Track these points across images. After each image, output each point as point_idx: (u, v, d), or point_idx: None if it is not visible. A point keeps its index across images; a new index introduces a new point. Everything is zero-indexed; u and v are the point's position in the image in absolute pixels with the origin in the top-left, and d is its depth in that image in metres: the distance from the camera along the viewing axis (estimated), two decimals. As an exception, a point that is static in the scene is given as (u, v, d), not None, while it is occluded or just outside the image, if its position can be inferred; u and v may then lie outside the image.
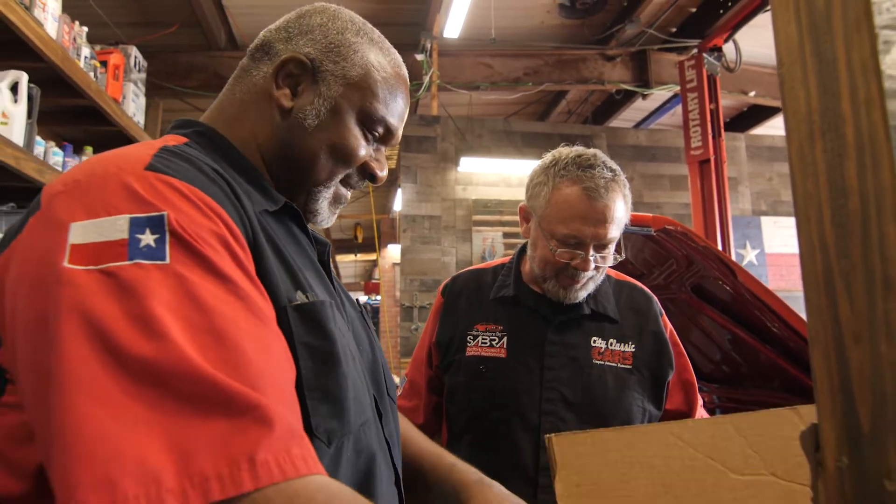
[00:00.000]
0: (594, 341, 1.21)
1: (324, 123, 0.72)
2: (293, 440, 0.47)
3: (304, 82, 0.73)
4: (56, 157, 2.28)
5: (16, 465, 0.52)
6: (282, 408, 0.48)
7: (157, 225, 0.51)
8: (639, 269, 2.11)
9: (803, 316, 1.76)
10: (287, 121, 0.72)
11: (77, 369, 0.44)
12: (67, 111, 2.66)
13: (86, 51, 2.48)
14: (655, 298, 1.30)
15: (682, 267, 1.97)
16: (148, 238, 0.50)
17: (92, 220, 0.50)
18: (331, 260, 0.79)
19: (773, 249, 5.02)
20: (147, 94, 3.14)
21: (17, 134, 1.95)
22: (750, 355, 2.08)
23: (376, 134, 0.76)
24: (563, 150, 1.20)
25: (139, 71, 3.08)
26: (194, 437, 0.43)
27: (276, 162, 0.74)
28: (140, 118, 3.06)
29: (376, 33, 0.79)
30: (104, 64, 2.71)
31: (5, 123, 1.92)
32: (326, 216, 0.78)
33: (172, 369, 0.45)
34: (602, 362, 1.19)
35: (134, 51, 3.02)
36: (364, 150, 0.75)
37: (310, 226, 0.77)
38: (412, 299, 4.37)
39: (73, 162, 2.39)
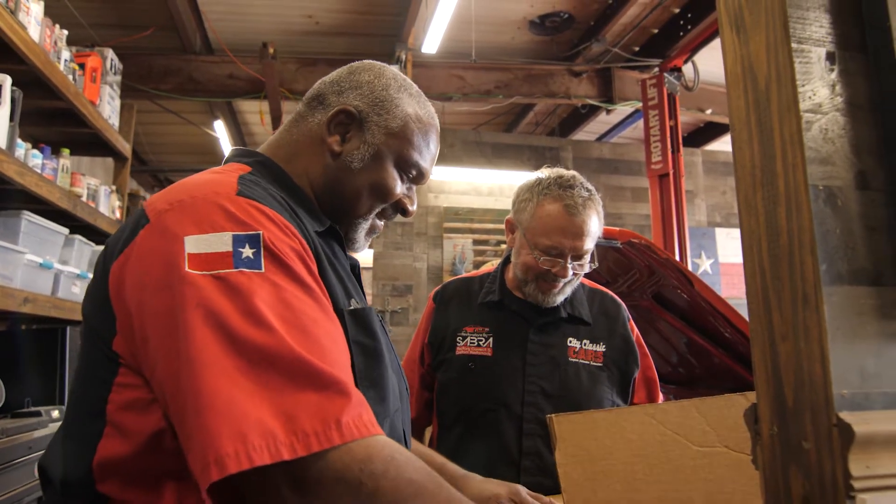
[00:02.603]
0: (570, 341, 1.35)
1: (367, 166, 0.84)
2: (363, 408, 0.60)
3: (352, 130, 0.84)
4: (35, 159, 2.28)
5: (129, 433, 0.63)
6: (352, 384, 0.61)
7: (254, 241, 0.64)
8: (604, 278, 2.25)
9: (752, 322, 1.92)
10: (336, 162, 0.84)
11: (205, 351, 0.56)
12: (42, 113, 2.65)
13: (65, 54, 2.49)
14: (624, 305, 1.45)
15: (645, 276, 2.12)
16: (248, 251, 0.63)
17: (202, 234, 0.63)
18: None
19: (726, 259, 5.30)
20: (121, 97, 3.14)
21: (-1, 137, 1.96)
22: (704, 358, 2.25)
23: (410, 175, 0.89)
24: (546, 172, 1.36)
25: (115, 73, 3.08)
26: (295, 404, 0.56)
27: (325, 195, 0.85)
28: (115, 121, 3.06)
29: (414, 88, 0.91)
30: (82, 66, 2.71)
31: (-11, 126, 1.92)
32: (362, 244, 0.90)
33: (276, 352, 0.58)
34: (577, 360, 1.34)
35: (110, 53, 3.02)
36: (399, 189, 0.88)
37: None
38: (384, 304, 4.45)
39: (51, 164, 2.39)
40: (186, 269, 0.60)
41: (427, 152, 0.89)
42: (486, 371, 1.32)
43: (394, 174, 0.86)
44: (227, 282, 0.60)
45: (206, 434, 0.53)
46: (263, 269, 0.62)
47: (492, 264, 1.55)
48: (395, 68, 0.91)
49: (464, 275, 1.53)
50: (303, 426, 0.55)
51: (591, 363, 1.34)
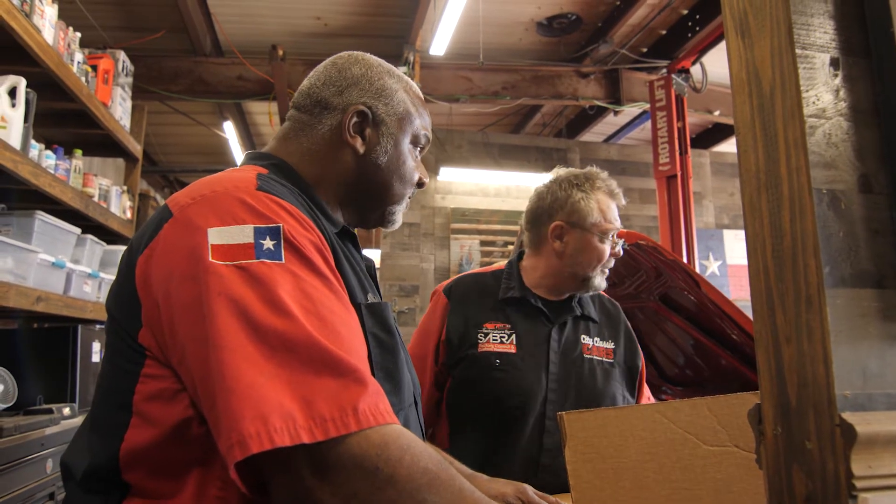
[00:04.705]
0: (584, 339, 1.39)
1: (392, 157, 0.88)
2: (379, 397, 0.61)
3: (368, 127, 0.87)
4: (49, 160, 2.31)
5: (155, 422, 0.65)
6: (369, 373, 0.62)
7: (275, 234, 0.66)
8: (611, 279, 2.25)
9: (760, 324, 1.91)
10: (362, 162, 0.87)
11: (228, 337, 0.58)
12: (55, 114, 2.68)
13: (79, 56, 2.52)
14: (619, 305, 1.52)
15: (652, 278, 2.12)
16: (268, 243, 0.65)
17: (224, 226, 0.65)
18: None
19: (734, 261, 5.28)
20: (132, 98, 3.17)
21: (14, 138, 1.99)
22: (712, 360, 2.25)
23: (421, 148, 0.93)
24: (574, 171, 1.44)
25: (126, 75, 3.11)
26: (314, 390, 0.58)
27: (354, 195, 0.88)
28: (126, 122, 3.09)
29: (394, 69, 0.94)
30: (94, 68, 2.74)
31: (4, 127, 1.95)
32: (399, 221, 0.95)
33: (296, 339, 0.59)
34: (591, 357, 1.37)
35: (122, 55, 3.05)
36: (418, 171, 0.92)
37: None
38: (391, 304, 4.46)
39: (64, 165, 2.42)
40: (210, 259, 0.62)
41: (426, 119, 0.94)
42: (512, 368, 1.32)
43: (412, 157, 0.91)
44: (250, 272, 0.62)
45: (230, 416, 0.56)
46: (284, 260, 0.64)
47: (500, 264, 1.56)
48: (374, 56, 0.95)
49: (474, 270, 1.53)
50: (321, 411, 0.57)
51: (604, 360, 1.38)
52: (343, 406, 0.58)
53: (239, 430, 0.55)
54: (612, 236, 1.39)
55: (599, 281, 1.40)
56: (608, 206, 1.40)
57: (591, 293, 1.42)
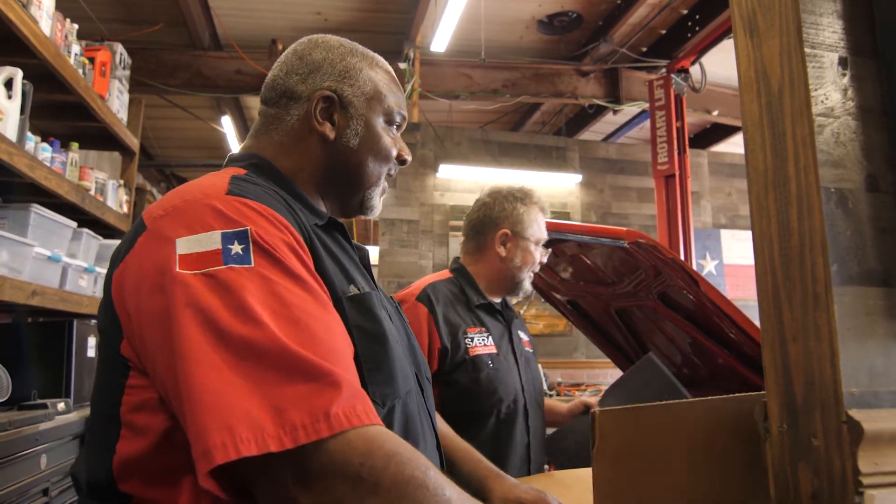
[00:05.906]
0: (520, 334, 1.58)
1: (364, 139, 0.86)
2: (357, 399, 0.60)
3: (336, 111, 0.86)
4: (45, 152, 2.29)
5: (142, 432, 0.64)
6: (347, 375, 0.61)
7: (242, 237, 0.64)
8: (611, 278, 2.26)
9: (757, 323, 1.92)
10: (334, 147, 0.86)
11: (194, 347, 0.57)
12: (52, 106, 2.66)
13: (76, 48, 2.50)
14: None
15: (651, 277, 2.12)
16: (237, 248, 0.63)
17: (192, 235, 0.64)
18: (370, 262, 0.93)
19: (731, 261, 5.29)
20: (129, 91, 3.15)
21: (10, 130, 1.97)
22: (709, 359, 2.25)
23: (396, 126, 0.91)
24: (513, 186, 1.63)
25: (124, 68, 3.10)
26: (283, 397, 0.56)
27: (332, 182, 0.86)
28: (123, 115, 3.07)
29: (359, 47, 0.92)
30: (92, 61, 2.72)
31: (0, 119, 1.94)
32: (379, 207, 0.93)
33: (265, 346, 0.58)
34: (528, 350, 1.58)
35: (120, 48, 3.03)
36: (394, 147, 0.90)
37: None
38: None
39: (60, 158, 2.40)
40: (177, 269, 0.61)
41: (400, 97, 0.92)
42: (501, 367, 1.45)
43: (386, 135, 0.89)
44: (217, 279, 0.61)
45: (197, 427, 0.55)
46: (253, 264, 0.63)
47: (443, 272, 1.66)
48: (335, 36, 0.92)
49: (433, 278, 1.59)
50: (291, 418, 0.55)
51: (530, 350, 1.58)
52: (314, 412, 0.56)
53: (205, 440, 0.54)
54: (541, 245, 1.60)
55: (528, 285, 1.58)
56: (542, 220, 1.61)
57: (520, 296, 1.59)
